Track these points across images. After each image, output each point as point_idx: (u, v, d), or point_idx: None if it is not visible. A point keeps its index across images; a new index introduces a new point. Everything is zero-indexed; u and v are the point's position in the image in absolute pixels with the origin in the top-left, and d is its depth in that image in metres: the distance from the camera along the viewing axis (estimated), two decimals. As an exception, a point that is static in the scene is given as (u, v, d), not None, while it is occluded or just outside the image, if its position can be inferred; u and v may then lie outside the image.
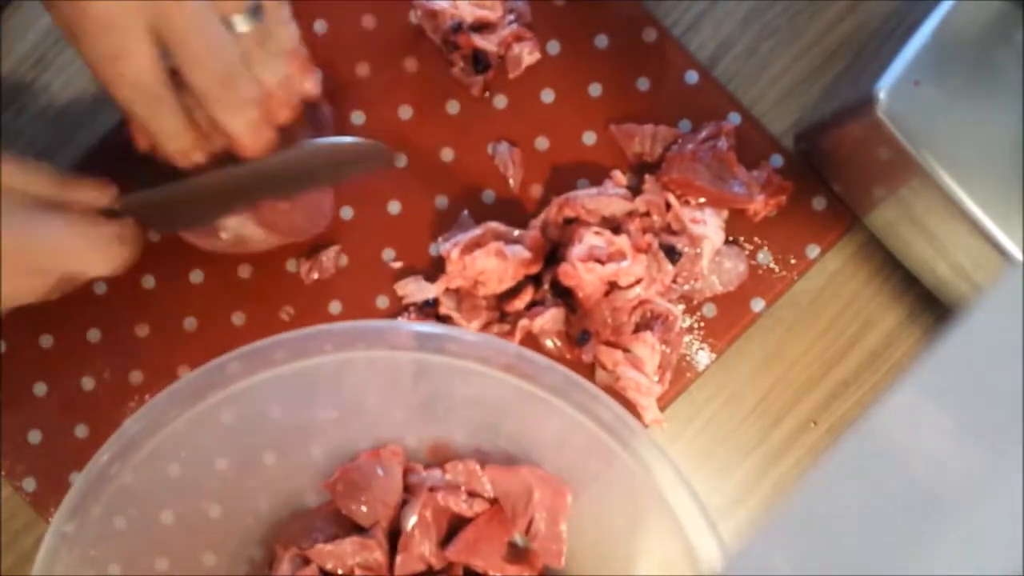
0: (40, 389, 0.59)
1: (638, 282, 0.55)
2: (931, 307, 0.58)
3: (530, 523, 0.54)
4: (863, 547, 0.25)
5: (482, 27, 0.59)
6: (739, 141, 0.58)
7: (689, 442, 0.58)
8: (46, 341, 0.60)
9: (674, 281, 0.57)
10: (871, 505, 0.25)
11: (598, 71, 0.59)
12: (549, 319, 0.57)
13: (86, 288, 0.59)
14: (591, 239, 0.56)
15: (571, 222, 0.58)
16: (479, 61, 0.58)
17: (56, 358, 0.60)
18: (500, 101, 0.60)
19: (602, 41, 0.59)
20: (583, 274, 0.55)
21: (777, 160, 0.58)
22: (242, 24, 0.48)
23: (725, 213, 0.58)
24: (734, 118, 0.59)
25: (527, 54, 0.59)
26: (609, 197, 0.57)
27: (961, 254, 0.50)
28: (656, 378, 0.56)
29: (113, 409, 0.59)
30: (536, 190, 0.59)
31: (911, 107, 0.47)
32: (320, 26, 0.60)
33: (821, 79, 0.59)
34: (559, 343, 0.58)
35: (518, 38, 0.59)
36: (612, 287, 0.56)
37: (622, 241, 0.55)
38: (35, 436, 0.59)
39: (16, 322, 0.59)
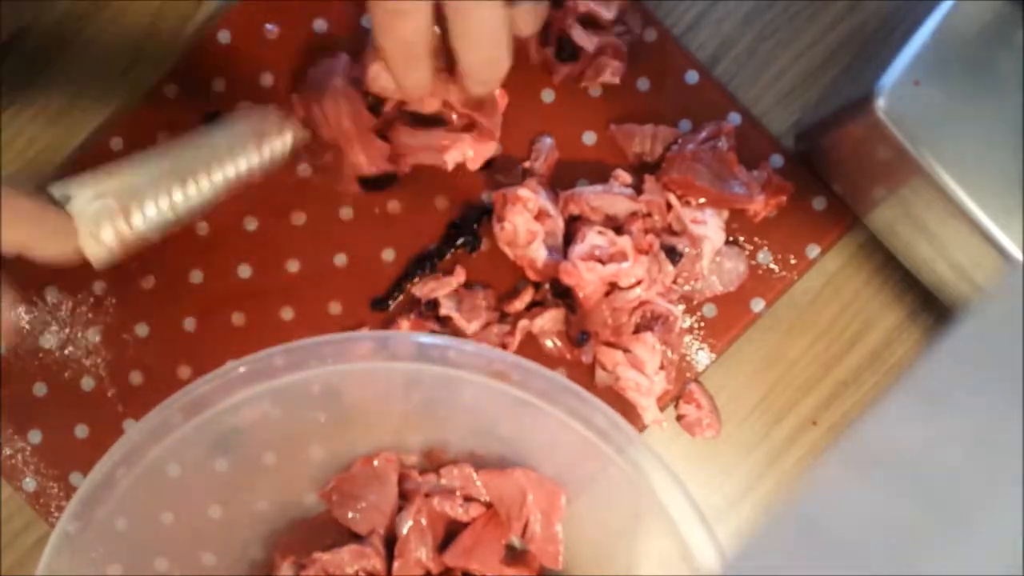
0: (40, 389, 0.59)
1: (639, 283, 0.55)
2: (931, 307, 0.58)
3: (525, 525, 0.54)
4: (863, 550, 0.25)
5: (589, 22, 0.58)
6: (739, 141, 0.57)
7: (689, 442, 0.58)
8: (46, 341, 0.60)
9: (674, 281, 0.57)
10: (869, 508, 0.25)
11: (598, 71, 0.59)
12: (549, 319, 0.57)
13: (86, 288, 0.59)
14: (593, 238, 0.56)
15: (575, 219, 0.58)
16: (564, 49, 0.58)
17: (56, 358, 0.60)
18: (500, 100, 0.59)
19: (602, 41, 0.59)
20: (584, 273, 0.55)
21: (777, 160, 0.58)
22: None
23: (725, 213, 0.58)
24: (734, 118, 0.58)
25: (609, 74, 0.57)
26: (614, 196, 0.57)
27: (961, 254, 0.50)
28: (657, 378, 0.55)
29: (113, 409, 0.59)
30: (536, 190, 0.59)
31: (911, 107, 0.47)
32: (319, 25, 0.60)
33: (821, 79, 0.59)
34: (559, 343, 0.58)
35: (615, 53, 0.58)
36: (612, 287, 0.56)
37: (624, 242, 0.55)
38: (35, 436, 0.59)
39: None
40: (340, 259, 0.59)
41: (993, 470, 0.25)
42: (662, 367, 0.56)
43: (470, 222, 0.58)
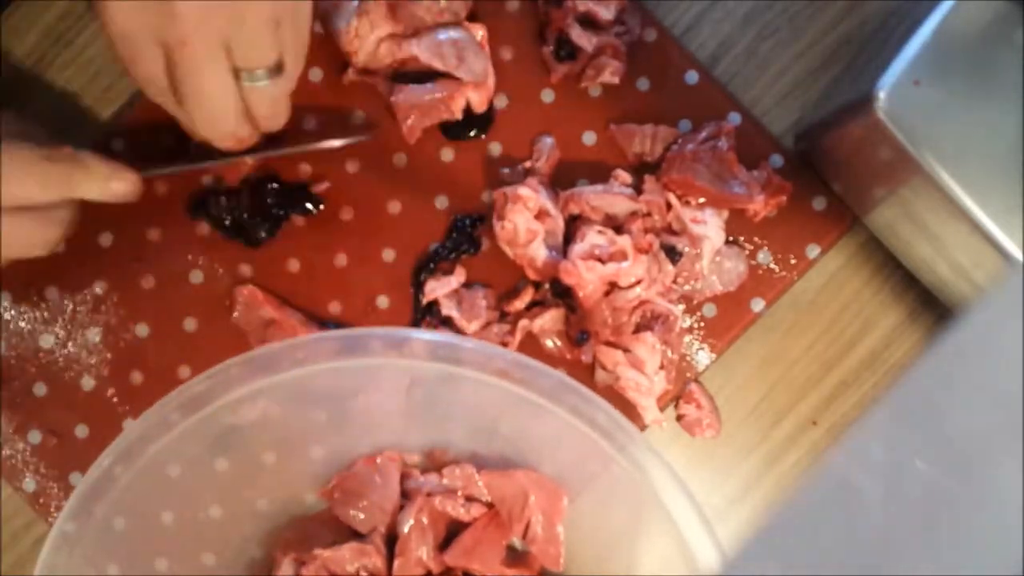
0: (40, 389, 0.59)
1: (638, 283, 0.55)
2: (931, 307, 0.58)
3: (527, 527, 0.54)
4: (859, 551, 0.25)
5: (588, 22, 0.58)
6: (739, 141, 0.57)
7: (689, 442, 0.58)
8: (46, 341, 0.60)
9: (674, 281, 0.57)
10: (867, 509, 0.25)
11: (598, 71, 0.59)
12: (549, 319, 0.57)
13: (86, 288, 0.59)
14: (593, 237, 0.56)
15: (575, 219, 0.58)
16: (562, 47, 0.58)
17: (56, 358, 0.60)
18: (500, 101, 0.59)
19: (602, 41, 0.59)
20: (583, 273, 0.55)
21: (777, 160, 0.58)
22: (262, 79, 0.50)
23: (725, 213, 0.58)
24: (734, 118, 0.58)
25: (608, 74, 0.58)
26: (614, 195, 0.57)
27: (961, 254, 0.50)
28: (657, 378, 0.55)
29: (113, 409, 0.59)
30: (536, 190, 0.59)
31: (911, 107, 0.47)
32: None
33: (821, 79, 0.59)
34: (559, 343, 0.58)
35: (613, 54, 0.58)
36: (612, 287, 0.56)
37: (624, 241, 0.55)
38: (35, 436, 0.59)
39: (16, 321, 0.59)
40: (340, 259, 0.59)
41: (992, 469, 0.25)
42: (662, 367, 0.56)
43: (466, 232, 0.59)
